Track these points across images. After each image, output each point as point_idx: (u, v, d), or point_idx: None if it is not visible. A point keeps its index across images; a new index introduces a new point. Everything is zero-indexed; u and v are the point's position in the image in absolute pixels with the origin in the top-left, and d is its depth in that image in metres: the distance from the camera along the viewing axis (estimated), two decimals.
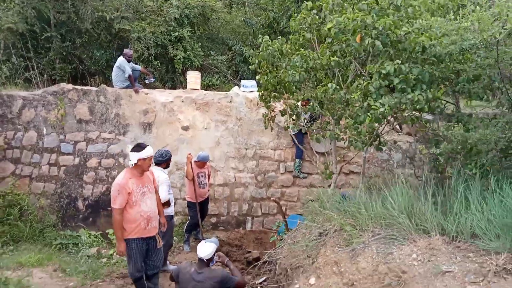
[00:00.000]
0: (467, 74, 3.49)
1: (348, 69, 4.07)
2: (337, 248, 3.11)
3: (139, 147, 4.11)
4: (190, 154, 6.12)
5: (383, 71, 3.30)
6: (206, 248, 3.94)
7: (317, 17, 4.33)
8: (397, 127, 7.61)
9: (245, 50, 11.81)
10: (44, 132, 7.39)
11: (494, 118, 3.68)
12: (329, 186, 7.52)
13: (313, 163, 7.51)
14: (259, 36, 12.50)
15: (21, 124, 7.38)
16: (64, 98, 7.45)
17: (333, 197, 4.36)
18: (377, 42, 3.39)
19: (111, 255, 6.31)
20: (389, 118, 3.85)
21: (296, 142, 6.96)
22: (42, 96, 7.48)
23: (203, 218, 6.77)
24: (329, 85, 3.78)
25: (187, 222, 6.66)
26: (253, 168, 7.63)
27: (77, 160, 7.40)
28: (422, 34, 3.34)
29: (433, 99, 3.26)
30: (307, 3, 4.46)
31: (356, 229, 3.16)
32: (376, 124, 3.40)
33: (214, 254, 4.00)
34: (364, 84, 3.45)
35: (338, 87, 3.80)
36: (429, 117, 5.99)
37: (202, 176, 6.38)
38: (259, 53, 4.83)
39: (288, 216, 5.81)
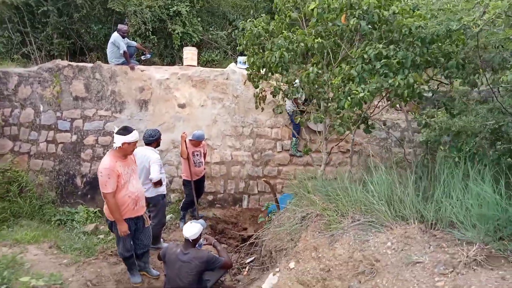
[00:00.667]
0: (456, 58, 3.34)
1: (337, 50, 3.92)
2: (317, 233, 3.11)
3: (125, 131, 4.07)
4: (184, 133, 6.09)
5: (365, 55, 3.17)
6: (192, 228, 3.99)
7: None
8: (397, 105, 7.47)
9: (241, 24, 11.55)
10: (41, 109, 7.40)
11: (485, 101, 3.57)
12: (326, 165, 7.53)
13: (305, 141, 7.48)
14: (260, 9, 12.10)
15: (18, 101, 7.39)
16: (60, 75, 7.41)
17: (321, 178, 4.33)
18: (362, 23, 3.23)
19: (109, 232, 6.44)
20: (378, 100, 3.74)
21: (293, 121, 6.88)
22: (38, 73, 7.44)
23: (199, 196, 6.82)
24: (310, 69, 3.66)
25: (183, 200, 6.72)
26: (249, 146, 7.60)
27: (74, 137, 7.43)
28: (410, 15, 3.18)
29: (414, 83, 3.13)
30: None
31: (337, 215, 3.15)
32: (357, 108, 3.30)
33: (200, 234, 4.05)
34: (347, 68, 3.33)
35: (320, 71, 3.68)
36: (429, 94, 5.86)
37: (197, 155, 6.36)
38: (245, 34, 4.69)
39: (281, 195, 5.80)
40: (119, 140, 3.99)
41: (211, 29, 11.29)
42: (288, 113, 7.19)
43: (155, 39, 10.08)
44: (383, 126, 6.21)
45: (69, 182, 7.39)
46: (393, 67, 3.14)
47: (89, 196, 7.40)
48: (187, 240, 4.00)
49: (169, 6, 10.06)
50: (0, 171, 7.00)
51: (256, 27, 4.39)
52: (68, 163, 7.40)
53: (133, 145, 4.10)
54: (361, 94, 3.04)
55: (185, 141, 6.05)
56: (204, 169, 6.74)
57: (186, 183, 6.45)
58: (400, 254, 2.38)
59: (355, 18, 3.25)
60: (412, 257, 2.28)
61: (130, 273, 4.49)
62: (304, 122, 4.60)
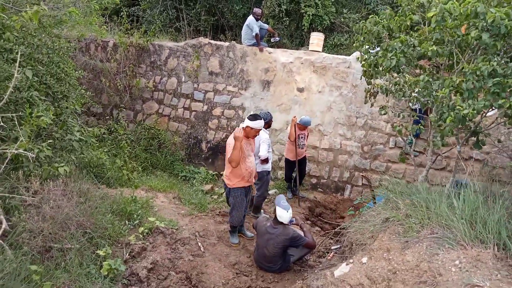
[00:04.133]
0: None
1: (451, 59, 3.65)
2: (393, 236, 3.19)
3: (253, 117, 4.69)
4: (295, 117, 6.47)
5: (478, 72, 2.92)
6: (284, 214, 4.42)
7: None
8: None
9: (381, 8, 11.05)
10: (183, 79, 8.64)
11: None
12: (441, 169, 7.07)
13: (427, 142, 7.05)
14: None
15: (166, 71, 8.76)
16: (201, 51, 8.47)
17: (421, 184, 4.24)
18: (484, 35, 2.96)
19: (222, 194, 7.37)
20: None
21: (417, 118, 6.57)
22: (184, 48, 8.64)
23: (302, 177, 7.23)
24: (421, 77, 3.51)
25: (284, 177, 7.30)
26: (360, 138, 7.58)
27: (205, 107, 8.52)
28: None
29: None
30: None
31: (416, 224, 3.16)
32: (459, 124, 3.09)
33: (290, 218, 4.46)
34: (457, 81, 3.12)
35: (431, 79, 3.50)
36: None
37: (302, 138, 6.78)
38: (364, 29, 4.66)
39: (377, 196, 5.78)
40: (246, 122, 4.68)
41: (344, 11, 11.15)
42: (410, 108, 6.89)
43: (288, 21, 10.49)
44: (496, 143, 5.53)
45: (196, 145, 8.57)
46: (507, 87, 2.85)
47: (210, 160, 8.48)
48: (276, 219, 4.46)
49: None
50: (147, 127, 8.55)
51: (376, 25, 4.36)
52: (197, 129, 8.56)
53: (254, 131, 4.70)
54: (465, 111, 2.87)
55: (295, 124, 6.45)
56: (305, 150, 7.11)
57: (287, 161, 7.06)
58: (464, 274, 2.35)
59: (477, 30, 3.01)
60: (473, 280, 2.24)
61: (230, 234, 5.22)
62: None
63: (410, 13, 4.04)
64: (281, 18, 10.37)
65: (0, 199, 3.06)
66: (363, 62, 4.69)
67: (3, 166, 2.88)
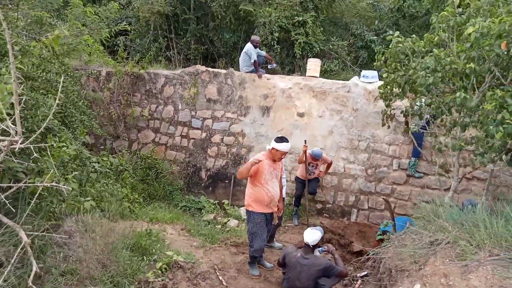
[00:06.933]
0: None
1: (484, 75, 3.76)
2: (448, 260, 3.08)
3: (279, 139, 4.59)
4: (306, 145, 6.44)
5: None
6: (313, 234, 4.27)
7: (461, 17, 4.03)
8: None
9: (368, 36, 11.46)
10: (180, 107, 8.47)
11: None
12: (446, 189, 7.11)
13: (431, 163, 7.14)
14: (385, 20, 11.82)
15: (162, 99, 8.58)
16: (198, 78, 8.38)
17: (450, 205, 4.20)
18: None
19: (225, 223, 7.11)
20: None
21: (414, 140, 6.67)
22: (180, 76, 8.53)
23: (312, 193, 7.17)
24: (457, 94, 3.57)
25: (294, 195, 7.22)
26: (364, 161, 7.59)
27: (204, 134, 8.34)
28: None
29: None
30: None
31: (471, 246, 3.07)
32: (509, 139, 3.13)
33: (319, 241, 4.29)
34: (502, 94, 3.18)
35: (468, 96, 3.56)
36: None
37: (312, 167, 6.84)
38: (387, 49, 4.76)
39: (396, 217, 5.73)
40: (271, 144, 4.57)
41: (332, 39, 11.46)
42: (412, 132, 6.99)
43: (279, 48, 10.65)
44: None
45: (195, 173, 8.32)
46: None
47: (210, 188, 8.23)
48: (307, 245, 4.28)
49: (295, 16, 10.52)
50: (143, 157, 8.24)
51: (401, 43, 4.43)
52: (196, 157, 8.34)
53: (280, 153, 4.57)
54: None
55: (305, 151, 6.42)
56: (316, 178, 7.08)
57: (297, 179, 7.09)
58: None
59: None
60: None
61: (250, 266, 4.96)
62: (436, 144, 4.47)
63: (441, 31, 4.13)
64: (273, 46, 10.52)
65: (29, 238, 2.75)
66: (387, 82, 4.73)
67: (33, 202, 2.61)
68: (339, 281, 4.51)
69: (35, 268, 2.49)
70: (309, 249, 4.30)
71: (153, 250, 4.51)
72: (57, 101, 2.30)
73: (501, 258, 2.79)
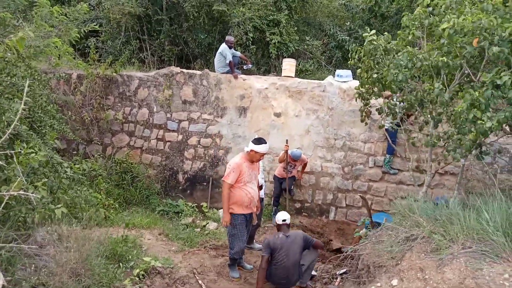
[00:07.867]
0: None
1: (454, 72, 3.87)
2: (423, 254, 3.15)
3: (257, 141, 4.61)
4: (287, 145, 6.52)
5: (498, 81, 3.10)
6: (285, 214, 4.68)
7: (431, 15, 4.15)
8: (507, 128, 6.96)
9: (340, 36, 11.63)
10: (154, 110, 8.32)
11: None
12: (420, 185, 7.28)
13: (405, 160, 7.30)
14: (357, 20, 12.02)
15: (136, 101, 8.40)
16: (173, 80, 8.25)
17: (424, 200, 4.30)
18: (495, 49, 3.17)
19: (204, 226, 7.02)
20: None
21: (388, 137, 6.81)
22: (155, 78, 8.38)
23: (288, 191, 7.27)
24: (436, 85, 3.66)
25: (273, 195, 7.29)
26: (340, 159, 7.68)
27: (180, 137, 8.22)
28: None
29: None
30: None
31: (445, 239, 3.15)
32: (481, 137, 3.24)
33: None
34: (475, 94, 3.27)
35: (444, 88, 3.67)
36: None
37: (291, 166, 6.95)
38: (360, 47, 4.83)
39: (373, 214, 5.83)
40: (250, 146, 4.57)
41: (307, 39, 11.55)
42: (386, 129, 7.12)
43: (254, 48, 10.65)
44: (498, 154, 5.88)
45: (172, 177, 8.19)
46: None
47: (188, 191, 8.12)
48: (285, 224, 4.57)
49: (269, 16, 10.54)
50: (118, 162, 8.04)
51: (374, 41, 4.49)
52: (173, 160, 8.21)
53: (259, 155, 4.59)
54: (489, 124, 3.00)
55: (286, 151, 6.47)
56: (293, 176, 7.16)
57: (275, 178, 7.17)
58: None
59: (488, 43, 3.20)
60: None
61: (230, 268, 4.92)
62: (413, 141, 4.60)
63: (413, 29, 4.23)
64: (248, 46, 10.50)
65: None
66: (362, 81, 4.80)
67: None
68: (316, 257, 4.76)
69: (1, 281, 2.38)
70: (287, 227, 4.58)
71: (130, 257, 4.40)
72: (22, 106, 2.20)
73: (474, 250, 2.87)
